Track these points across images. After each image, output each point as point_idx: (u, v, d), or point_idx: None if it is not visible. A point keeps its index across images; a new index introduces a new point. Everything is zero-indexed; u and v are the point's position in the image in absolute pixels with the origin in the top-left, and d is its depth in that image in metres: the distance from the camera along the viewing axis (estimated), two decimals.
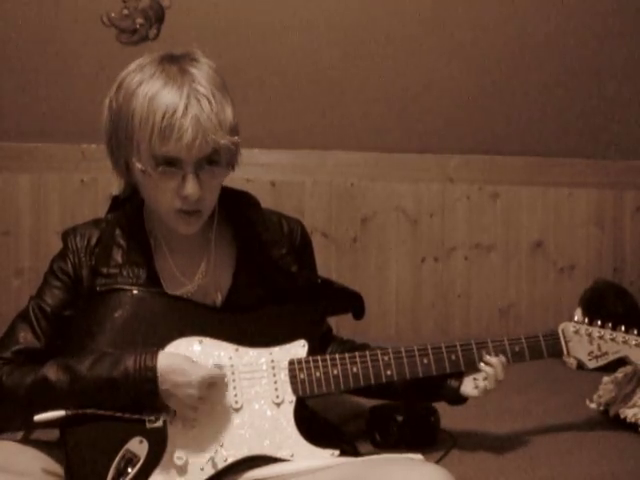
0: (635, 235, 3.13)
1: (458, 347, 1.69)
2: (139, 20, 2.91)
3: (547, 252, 3.09)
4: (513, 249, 3.09)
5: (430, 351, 1.67)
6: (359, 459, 1.51)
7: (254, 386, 1.55)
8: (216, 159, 1.49)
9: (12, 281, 2.95)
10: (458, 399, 1.75)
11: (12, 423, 1.54)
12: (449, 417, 1.89)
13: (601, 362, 1.79)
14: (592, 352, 1.78)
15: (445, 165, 3.07)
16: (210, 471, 1.47)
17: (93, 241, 1.61)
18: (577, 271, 3.10)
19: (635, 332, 1.78)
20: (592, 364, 1.79)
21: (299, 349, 1.60)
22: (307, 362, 1.58)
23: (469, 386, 1.71)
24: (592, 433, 1.96)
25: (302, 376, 1.57)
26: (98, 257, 1.59)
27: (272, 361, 1.57)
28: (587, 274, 3.07)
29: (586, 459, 1.79)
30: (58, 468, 1.49)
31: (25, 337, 1.56)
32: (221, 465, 1.48)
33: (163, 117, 1.44)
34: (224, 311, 1.60)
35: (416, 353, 1.66)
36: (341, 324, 1.91)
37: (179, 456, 1.46)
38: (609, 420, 2.01)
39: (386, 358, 1.64)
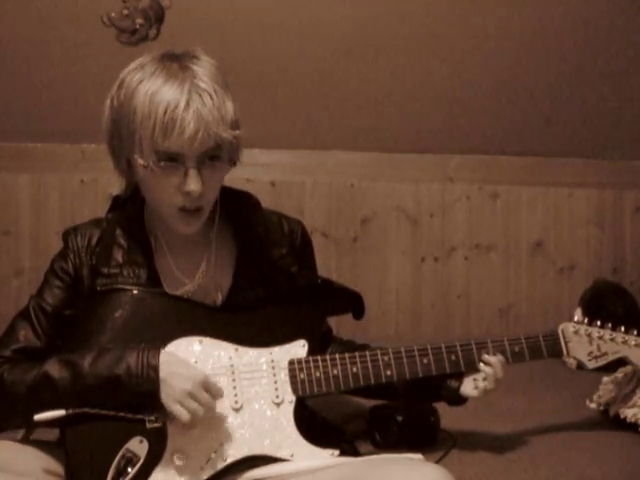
0: (635, 235, 3.13)
1: (458, 347, 1.69)
2: (139, 20, 2.91)
3: (547, 252, 3.10)
4: (513, 249, 3.09)
5: (430, 351, 1.67)
6: (359, 459, 1.51)
7: (254, 386, 1.55)
8: (218, 154, 1.49)
9: (12, 281, 2.96)
10: (458, 400, 1.75)
11: (13, 421, 1.53)
12: (449, 417, 1.89)
13: (601, 362, 1.79)
14: (592, 352, 1.78)
15: (445, 165, 3.07)
16: (210, 471, 1.47)
17: (94, 241, 1.61)
18: (577, 271, 3.10)
19: (635, 332, 1.78)
20: (592, 364, 1.79)
21: (299, 349, 1.60)
22: (307, 362, 1.58)
23: (469, 386, 1.71)
24: (592, 433, 1.96)
25: (302, 376, 1.57)
26: (99, 257, 1.59)
27: (272, 361, 1.57)
28: (587, 274, 3.07)
29: (586, 459, 1.79)
30: (58, 468, 1.49)
31: (25, 336, 1.56)
32: (221, 465, 1.48)
33: (165, 112, 1.44)
34: (224, 311, 1.60)
35: (416, 353, 1.66)
36: (341, 324, 1.91)
37: (179, 456, 1.46)
38: (609, 420, 2.01)
39: (386, 358, 1.64)
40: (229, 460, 1.49)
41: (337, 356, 1.61)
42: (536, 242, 3.09)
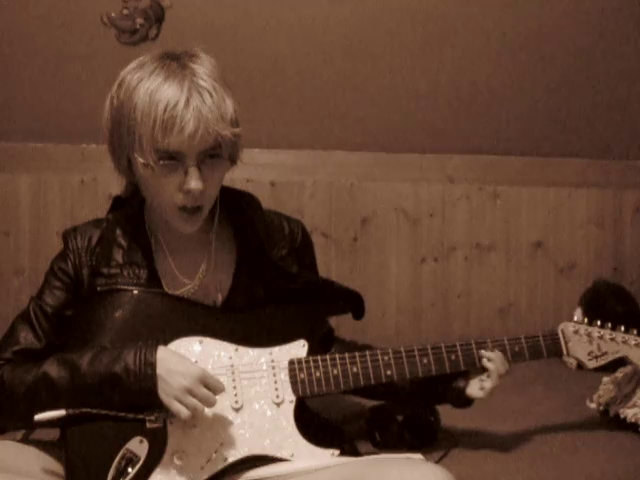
0: (635, 235, 3.13)
1: (458, 347, 1.69)
2: (139, 20, 2.91)
3: (547, 252, 3.09)
4: (513, 249, 3.09)
5: (430, 351, 1.67)
6: (359, 459, 1.51)
7: (254, 386, 1.55)
8: (218, 152, 1.49)
9: (12, 281, 2.95)
10: (464, 401, 1.75)
11: (14, 422, 1.53)
12: (449, 417, 1.89)
13: (601, 362, 1.79)
14: (592, 352, 1.78)
15: (445, 165, 3.07)
16: (210, 471, 1.47)
17: (94, 241, 1.61)
18: (577, 271, 3.10)
19: (635, 332, 1.79)
20: (592, 364, 1.79)
21: (299, 349, 1.60)
22: (307, 362, 1.59)
23: (475, 387, 1.72)
24: (592, 433, 1.96)
25: (302, 376, 1.58)
26: (99, 257, 1.59)
27: (272, 361, 1.58)
28: (587, 274, 3.07)
29: (586, 459, 1.79)
30: (58, 468, 1.49)
31: (26, 337, 1.56)
32: (221, 465, 1.48)
33: (165, 110, 1.44)
34: (224, 311, 1.60)
35: (416, 353, 1.66)
36: (341, 324, 1.91)
37: (179, 456, 1.46)
38: (609, 420, 2.01)
39: (386, 358, 1.64)
40: (229, 460, 1.49)
41: (337, 356, 1.62)
42: (536, 242, 3.09)
